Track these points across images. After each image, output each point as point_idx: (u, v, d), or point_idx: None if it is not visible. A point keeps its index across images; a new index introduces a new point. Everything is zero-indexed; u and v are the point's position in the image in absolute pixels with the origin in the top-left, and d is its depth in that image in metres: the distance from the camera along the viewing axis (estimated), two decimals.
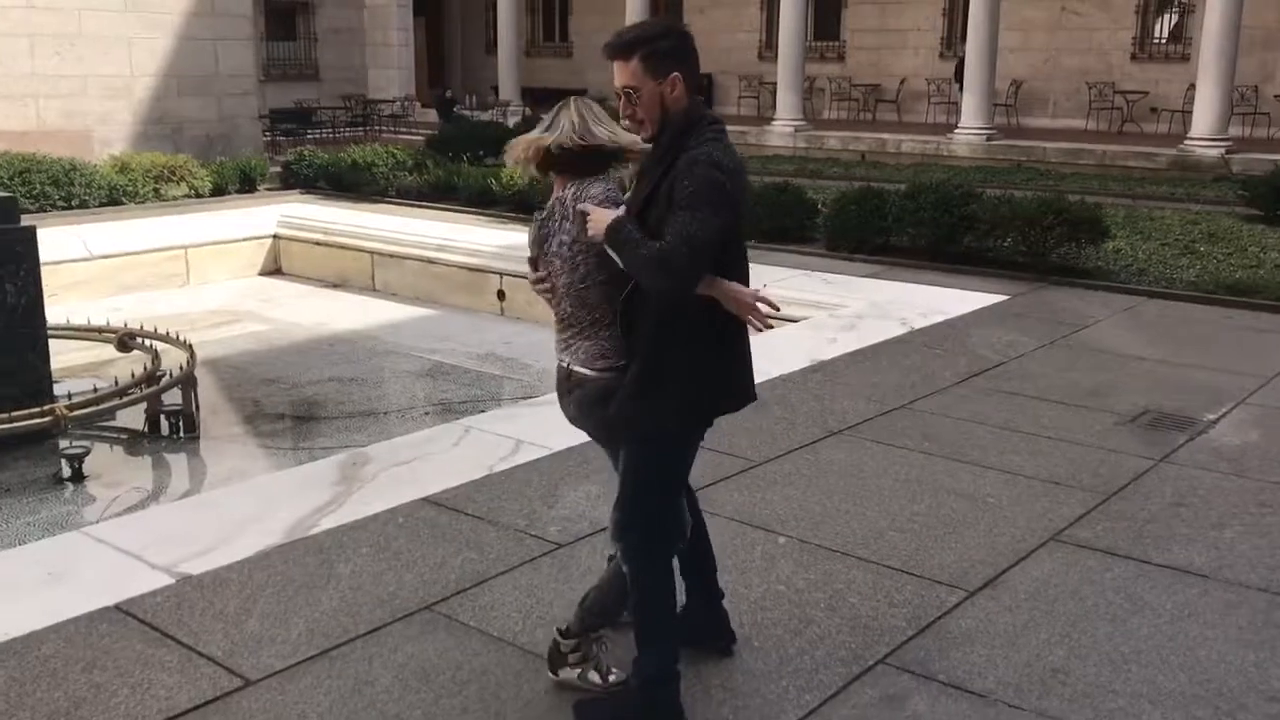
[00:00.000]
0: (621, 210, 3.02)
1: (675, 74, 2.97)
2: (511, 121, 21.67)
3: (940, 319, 8.05)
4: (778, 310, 2.91)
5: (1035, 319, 8.18)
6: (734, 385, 3.16)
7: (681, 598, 3.38)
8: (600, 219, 2.99)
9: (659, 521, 3.14)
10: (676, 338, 3.02)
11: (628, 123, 3.07)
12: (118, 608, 3.74)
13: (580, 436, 5.03)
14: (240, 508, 4.66)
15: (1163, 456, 5.40)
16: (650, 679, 3.16)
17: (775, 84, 21.58)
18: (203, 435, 7.60)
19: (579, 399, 3.21)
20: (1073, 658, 3.57)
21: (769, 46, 24.50)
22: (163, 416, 7.51)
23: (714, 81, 25.54)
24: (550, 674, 3.36)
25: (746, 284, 3.08)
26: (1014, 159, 18.03)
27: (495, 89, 26.66)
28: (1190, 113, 17.83)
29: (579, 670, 3.34)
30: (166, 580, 3.94)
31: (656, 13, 23.17)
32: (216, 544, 4.22)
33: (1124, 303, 8.74)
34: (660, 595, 3.16)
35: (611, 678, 3.31)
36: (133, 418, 7.53)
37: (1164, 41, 21.84)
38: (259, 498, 4.84)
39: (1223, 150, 16.73)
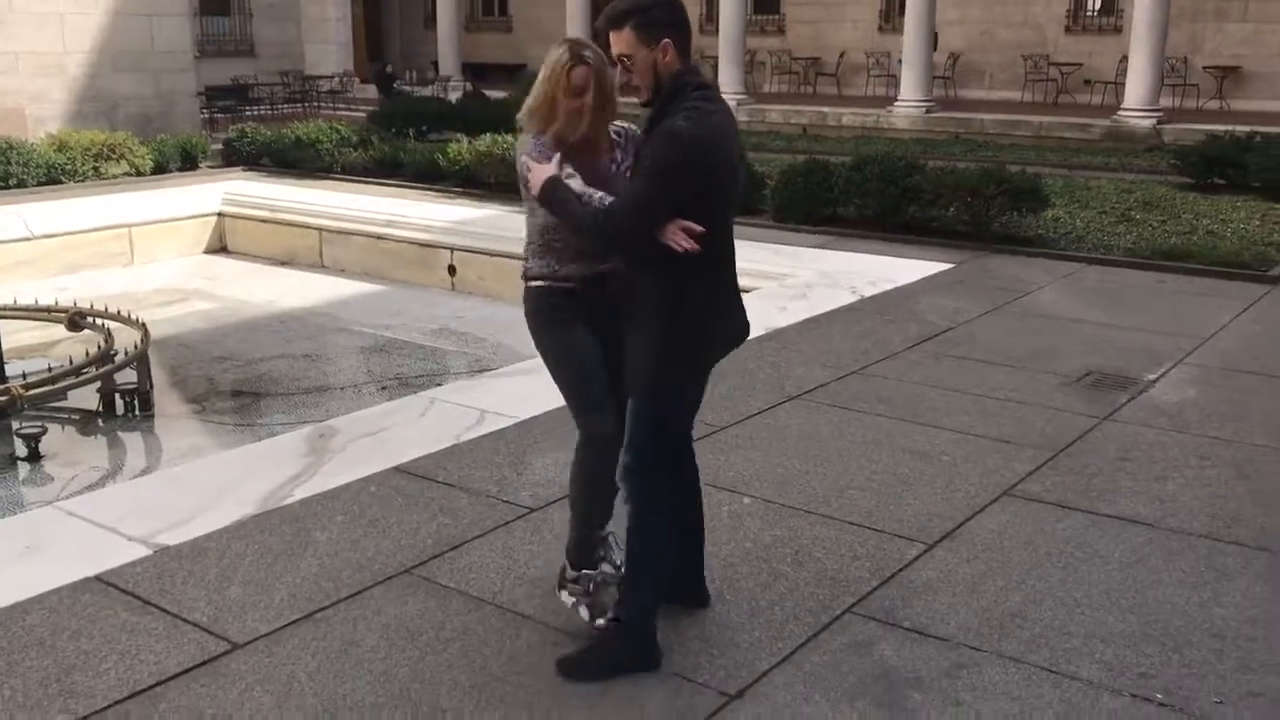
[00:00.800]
0: (555, 162, 3.16)
1: (666, 40, 3.07)
2: (453, 97, 21.52)
3: (889, 287, 8.23)
4: (698, 230, 2.99)
5: (980, 286, 8.39)
6: (706, 336, 3.26)
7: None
8: (537, 177, 3.16)
9: (658, 466, 3.27)
10: (651, 290, 3.15)
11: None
12: (99, 578, 3.78)
13: (544, 406, 5.17)
14: (212, 480, 4.70)
15: (1106, 415, 5.61)
16: (633, 618, 3.30)
17: (716, 58, 21.66)
18: (158, 413, 7.59)
19: None
20: (1029, 603, 3.75)
21: (709, 20, 24.53)
22: (117, 395, 7.47)
23: None
24: (556, 589, 3.59)
25: (725, 250, 3.20)
26: (952, 131, 18.32)
27: (435, 64, 26.44)
28: (1123, 84, 18.23)
29: (574, 600, 3.53)
30: (144, 551, 3.98)
31: None
32: (191, 515, 4.26)
33: (1064, 269, 8.98)
34: (656, 538, 3.29)
35: (599, 622, 3.44)
36: (85, 398, 7.47)
37: (1096, 14, 22.22)
38: (229, 470, 4.88)
39: (1155, 121, 17.13)
